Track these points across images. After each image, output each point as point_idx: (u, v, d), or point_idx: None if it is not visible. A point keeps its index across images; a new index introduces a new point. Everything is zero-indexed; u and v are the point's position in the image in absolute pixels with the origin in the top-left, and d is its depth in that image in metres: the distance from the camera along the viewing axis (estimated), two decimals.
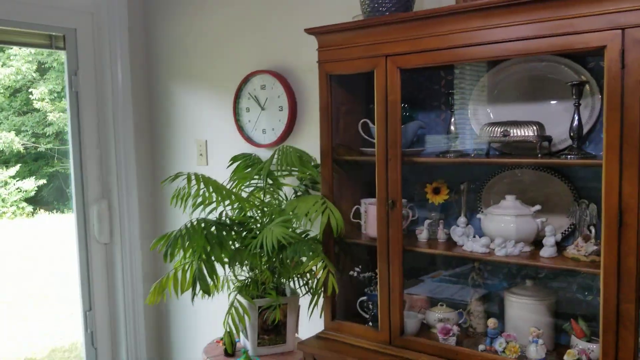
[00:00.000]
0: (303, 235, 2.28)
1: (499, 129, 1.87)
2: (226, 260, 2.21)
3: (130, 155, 3.25)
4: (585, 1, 1.54)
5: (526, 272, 2.03)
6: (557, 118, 1.92)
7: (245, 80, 2.87)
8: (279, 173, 2.36)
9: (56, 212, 5.15)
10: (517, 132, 1.83)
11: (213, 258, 2.10)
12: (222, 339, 2.50)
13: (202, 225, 2.15)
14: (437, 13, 1.79)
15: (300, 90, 2.71)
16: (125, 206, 3.26)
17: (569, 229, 1.94)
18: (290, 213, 2.08)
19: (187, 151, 3.24)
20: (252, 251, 2.14)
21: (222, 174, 2.92)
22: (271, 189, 2.52)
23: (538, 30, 1.63)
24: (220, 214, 2.40)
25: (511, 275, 2.07)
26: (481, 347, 1.92)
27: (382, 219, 2.00)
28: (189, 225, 2.17)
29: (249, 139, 2.91)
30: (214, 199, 2.24)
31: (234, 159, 2.74)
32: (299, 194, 2.61)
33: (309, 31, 2.13)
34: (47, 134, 5.05)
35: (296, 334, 2.45)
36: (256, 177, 2.49)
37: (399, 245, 1.98)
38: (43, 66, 4.93)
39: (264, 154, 2.84)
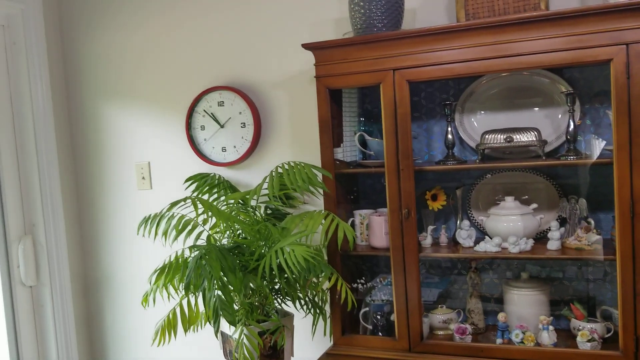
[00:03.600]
0: None
1: (501, 136, 2.02)
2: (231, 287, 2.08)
3: (55, 184, 2.89)
4: (593, 20, 1.75)
5: (525, 265, 2.20)
6: (538, 124, 2.12)
7: (199, 97, 2.72)
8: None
9: None
10: (520, 138, 1.99)
11: (231, 287, 1.96)
12: None
13: (216, 252, 1.99)
14: (451, 29, 1.90)
15: (264, 106, 2.65)
16: (53, 242, 2.88)
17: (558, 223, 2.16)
18: (304, 230, 2.02)
19: (124, 175, 2.98)
20: (263, 274, 2.04)
21: (169, 196, 2.75)
22: (248, 209, 2.43)
23: (550, 45, 1.81)
24: (208, 237, 2.26)
25: (510, 271, 2.24)
26: (498, 340, 2.04)
27: (395, 228, 2.05)
28: (196, 252, 2.00)
29: (205, 158, 2.76)
30: (210, 223, 2.11)
31: (192, 179, 2.61)
32: (268, 211, 2.56)
33: (306, 46, 2.12)
34: None
35: (292, 357, 2.38)
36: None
37: (415, 253, 2.04)
38: None
39: (226, 173, 2.73)
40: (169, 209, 2.16)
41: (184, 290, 1.96)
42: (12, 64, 2.78)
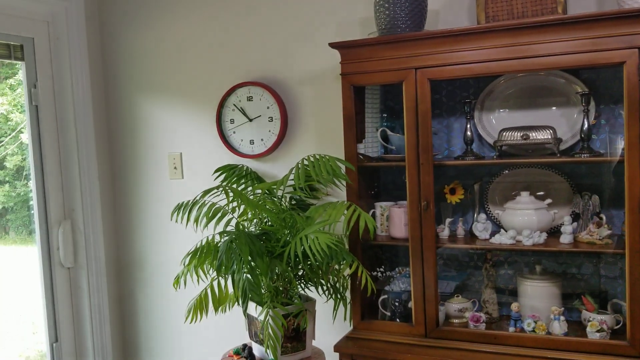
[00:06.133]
0: None
1: (518, 133, 2.12)
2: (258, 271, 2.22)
3: (94, 172, 3.07)
4: (607, 24, 1.83)
5: (539, 258, 2.29)
6: (554, 122, 2.20)
7: (230, 92, 2.86)
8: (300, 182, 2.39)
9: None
10: (536, 135, 2.08)
11: (258, 270, 2.09)
12: (235, 352, 2.48)
13: (245, 237, 2.12)
14: (472, 30, 2.00)
15: (291, 102, 2.78)
16: (90, 226, 3.06)
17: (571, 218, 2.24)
18: (327, 219, 2.14)
19: (158, 165, 3.13)
20: (288, 259, 2.17)
21: (198, 185, 2.90)
22: (273, 199, 2.55)
23: (566, 47, 1.89)
24: (237, 224, 2.40)
25: (525, 264, 2.33)
26: (511, 329, 2.14)
27: (414, 219, 2.16)
28: (226, 237, 2.14)
29: (234, 150, 2.90)
30: (237, 211, 2.24)
31: (222, 170, 2.75)
32: (293, 202, 2.68)
33: (333, 45, 2.23)
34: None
35: (313, 340, 2.51)
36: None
37: (432, 243, 2.15)
38: None
39: (253, 165, 2.86)
40: (202, 196, 2.30)
41: (215, 272, 2.09)
42: (55, 57, 2.95)
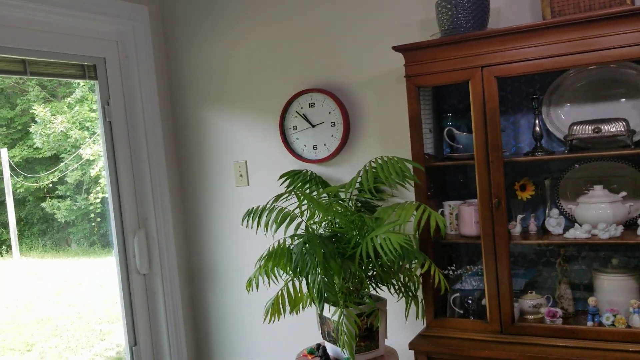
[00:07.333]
0: None
1: (589, 127, 2.10)
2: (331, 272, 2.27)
3: (164, 182, 3.21)
4: None
5: (613, 252, 2.26)
6: (625, 115, 2.18)
7: (292, 100, 2.94)
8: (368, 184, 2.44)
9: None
10: (608, 128, 2.07)
11: (331, 271, 2.15)
12: (309, 352, 2.54)
13: (318, 239, 2.19)
14: (539, 26, 2.00)
15: (353, 106, 2.83)
16: (163, 234, 3.20)
17: None
18: (397, 219, 2.18)
19: (224, 174, 3.24)
20: (359, 260, 2.21)
21: (264, 192, 2.99)
22: (339, 202, 2.61)
23: (636, 38, 1.88)
24: (306, 228, 2.46)
25: (599, 258, 2.30)
26: (589, 323, 2.12)
27: (486, 217, 2.17)
28: (299, 240, 2.21)
29: (298, 156, 2.97)
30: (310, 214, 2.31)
31: (287, 176, 2.83)
32: (358, 204, 2.73)
33: (396, 48, 2.27)
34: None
35: (385, 338, 2.55)
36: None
37: (505, 240, 2.15)
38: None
39: (317, 169, 2.93)
40: (273, 202, 2.38)
41: (291, 273, 2.16)
42: (125, 75, 3.10)
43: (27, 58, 2.67)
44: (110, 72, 3.03)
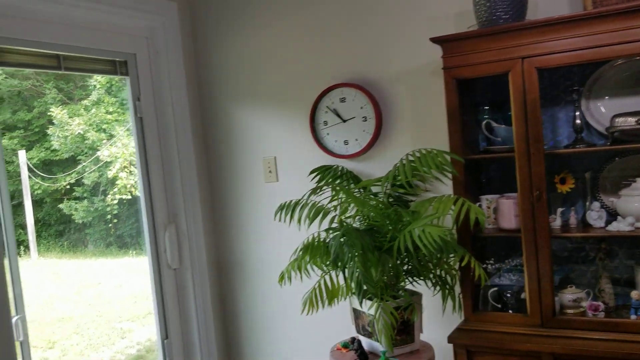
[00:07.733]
0: None
1: (632, 119, 2.08)
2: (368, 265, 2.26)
3: (194, 178, 3.22)
4: None
5: None
6: None
7: (322, 94, 2.93)
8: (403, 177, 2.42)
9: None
10: None
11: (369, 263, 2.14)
12: (344, 345, 2.53)
13: (355, 232, 2.18)
14: (582, 16, 1.98)
15: (384, 100, 2.82)
16: (193, 229, 3.21)
17: None
18: (435, 212, 2.17)
19: (253, 170, 3.24)
20: (398, 253, 2.20)
21: (294, 188, 2.98)
22: (371, 196, 2.60)
23: None
24: (340, 222, 2.45)
25: None
26: (632, 316, 2.10)
27: (527, 210, 2.15)
28: (336, 233, 2.21)
29: (328, 151, 2.96)
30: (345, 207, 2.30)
31: (317, 171, 2.82)
32: (391, 199, 2.71)
33: (434, 40, 2.26)
34: None
35: (421, 332, 2.53)
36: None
37: (546, 233, 2.13)
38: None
39: (348, 165, 2.91)
40: (309, 196, 2.38)
41: (326, 267, 2.15)
42: (155, 71, 3.11)
43: (61, 53, 2.68)
44: (140, 68, 3.04)
